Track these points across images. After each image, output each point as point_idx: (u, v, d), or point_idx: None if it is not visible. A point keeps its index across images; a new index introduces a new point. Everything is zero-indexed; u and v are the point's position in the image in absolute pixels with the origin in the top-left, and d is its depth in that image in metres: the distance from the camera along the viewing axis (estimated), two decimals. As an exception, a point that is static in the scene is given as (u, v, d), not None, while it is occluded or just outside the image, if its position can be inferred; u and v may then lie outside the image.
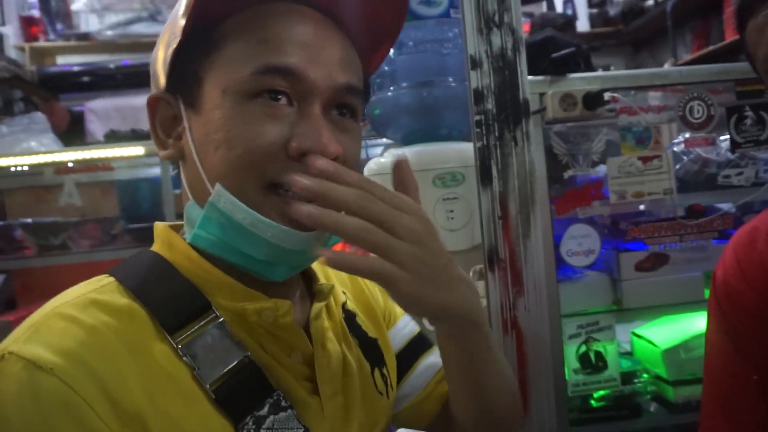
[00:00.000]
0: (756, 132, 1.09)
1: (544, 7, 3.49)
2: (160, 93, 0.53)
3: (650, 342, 1.25)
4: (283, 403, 0.49)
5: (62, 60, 3.47)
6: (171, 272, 0.51)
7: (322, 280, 0.61)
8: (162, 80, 0.52)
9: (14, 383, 0.40)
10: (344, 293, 0.66)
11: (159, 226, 0.56)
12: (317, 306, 0.57)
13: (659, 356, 1.21)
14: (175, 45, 0.49)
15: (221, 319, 0.49)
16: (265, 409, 0.48)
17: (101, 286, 0.49)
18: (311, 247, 0.50)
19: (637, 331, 1.31)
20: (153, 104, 0.53)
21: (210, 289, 0.51)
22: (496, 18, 0.96)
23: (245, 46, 0.48)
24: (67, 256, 1.69)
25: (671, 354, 1.20)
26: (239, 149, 0.47)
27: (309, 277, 0.62)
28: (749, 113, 1.10)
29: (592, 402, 1.21)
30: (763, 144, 1.10)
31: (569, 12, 3.54)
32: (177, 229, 0.56)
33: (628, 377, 1.23)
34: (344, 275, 0.69)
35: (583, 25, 3.49)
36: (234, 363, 0.48)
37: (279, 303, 0.51)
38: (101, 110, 3.08)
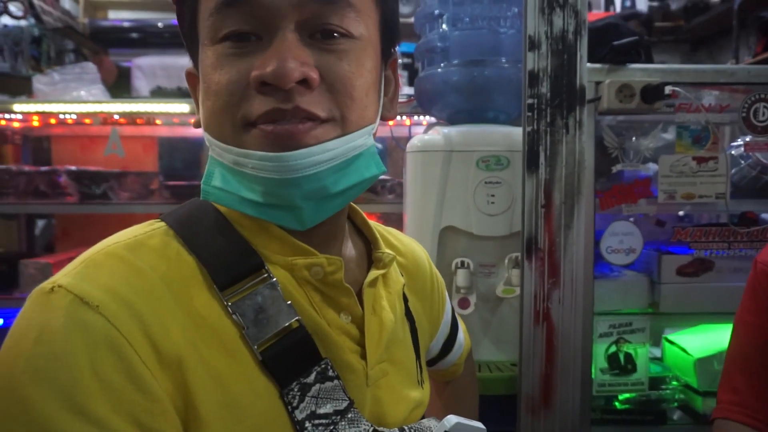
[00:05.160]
0: (824, 141, 1.03)
1: (602, -4, 3.36)
2: (191, 69, 0.53)
3: (683, 349, 1.22)
4: (330, 373, 0.47)
5: (114, 15, 3.52)
6: (224, 224, 0.50)
7: (382, 248, 0.59)
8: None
9: (62, 316, 0.40)
10: (401, 275, 0.65)
11: None
12: (374, 273, 0.56)
13: (691, 365, 1.18)
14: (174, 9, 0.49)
15: (273, 279, 0.48)
16: (312, 377, 0.46)
17: (153, 230, 0.48)
18: (306, 179, 0.45)
19: (670, 337, 1.27)
20: (190, 79, 0.54)
21: (260, 242, 0.50)
22: (560, -2, 0.92)
23: None
24: (106, 206, 1.72)
25: (704, 363, 1.16)
26: (213, 96, 0.46)
27: (369, 244, 0.61)
28: (819, 121, 1.04)
29: (617, 404, 1.18)
30: (831, 154, 1.04)
31: (628, 4, 3.40)
32: None
33: (655, 383, 1.20)
34: (412, 262, 0.68)
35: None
36: (284, 326, 0.46)
37: (330, 259, 0.50)
38: (147, 67, 3.12)
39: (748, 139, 1.12)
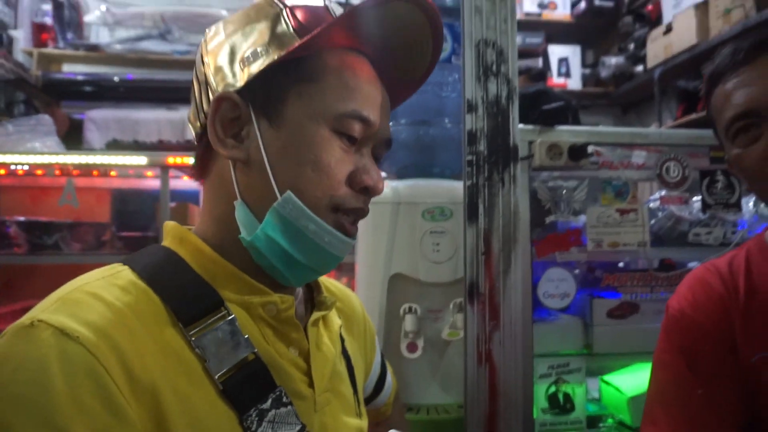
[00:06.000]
0: (726, 195, 1.17)
1: (540, 63, 3.64)
2: (231, 95, 0.55)
3: (617, 389, 1.30)
4: (284, 399, 0.53)
5: (68, 68, 3.53)
6: (183, 266, 0.55)
7: (324, 293, 0.66)
8: (237, 82, 0.55)
9: (43, 347, 0.43)
10: (339, 317, 0.71)
11: (170, 224, 0.60)
12: (317, 314, 0.62)
13: (624, 403, 1.25)
14: (271, 59, 0.54)
15: (232, 316, 0.53)
16: (268, 403, 0.51)
17: (117, 272, 0.53)
18: (343, 256, 0.59)
19: (606, 377, 1.35)
20: (218, 103, 0.56)
21: (218, 282, 0.55)
22: (494, 68, 1.04)
23: (340, 89, 0.56)
24: (57, 256, 1.70)
25: (636, 401, 1.24)
26: (322, 174, 0.55)
27: (311, 288, 0.67)
28: (720, 177, 1.18)
29: (558, 443, 1.24)
30: (732, 207, 1.17)
31: (563, 70, 3.70)
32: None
33: (593, 421, 1.27)
34: (348, 307, 0.76)
35: (575, 83, 3.64)
36: (241, 358, 0.51)
37: (283, 298, 0.57)
38: (101, 120, 3.11)
39: (663, 193, 1.25)
